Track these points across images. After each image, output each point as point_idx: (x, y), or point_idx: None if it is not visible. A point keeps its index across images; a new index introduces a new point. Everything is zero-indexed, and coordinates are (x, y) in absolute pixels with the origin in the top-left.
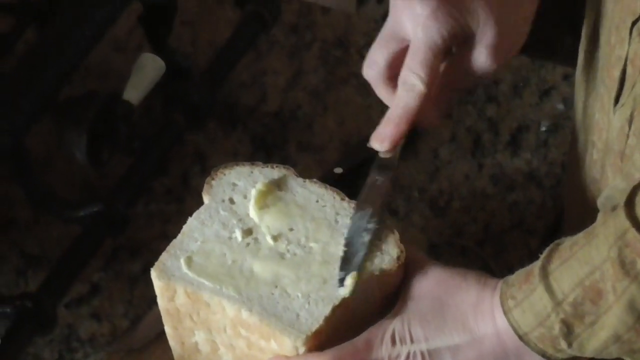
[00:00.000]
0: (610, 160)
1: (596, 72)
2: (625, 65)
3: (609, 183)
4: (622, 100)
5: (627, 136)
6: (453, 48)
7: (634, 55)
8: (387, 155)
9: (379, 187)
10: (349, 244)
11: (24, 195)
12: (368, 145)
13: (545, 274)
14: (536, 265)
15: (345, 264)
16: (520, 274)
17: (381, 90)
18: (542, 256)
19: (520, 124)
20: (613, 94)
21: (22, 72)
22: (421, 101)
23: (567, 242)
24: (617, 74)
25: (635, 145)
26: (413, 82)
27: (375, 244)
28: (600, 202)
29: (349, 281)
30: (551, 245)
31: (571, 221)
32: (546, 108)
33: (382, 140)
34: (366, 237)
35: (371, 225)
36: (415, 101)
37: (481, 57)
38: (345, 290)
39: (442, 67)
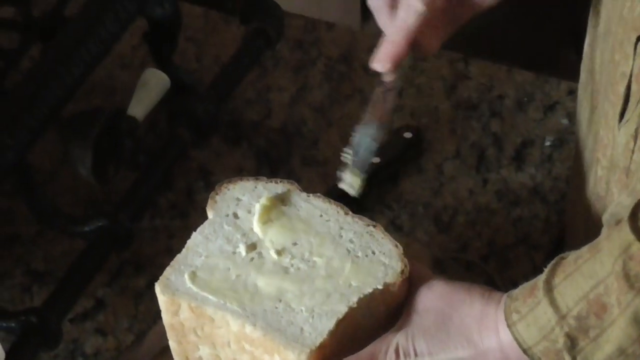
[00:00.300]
0: (616, 177)
1: (600, 89)
2: (629, 81)
3: (614, 199)
4: (626, 116)
5: (633, 152)
6: None
7: (639, 71)
8: (389, 78)
9: (384, 100)
10: (355, 149)
11: (28, 210)
12: (376, 68)
13: (549, 288)
14: (540, 279)
15: (352, 166)
16: (524, 287)
17: (384, 18)
18: (546, 270)
19: (524, 139)
20: (618, 110)
21: (26, 88)
22: (420, 21)
23: (571, 255)
24: (621, 90)
25: None
26: (413, 2)
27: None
28: (605, 218)
29: (354, 181)
30: (555, 259)
31: (574, 237)
32: (550, 123)
33: (383, 60)
34: (373, 145)
35: (378, 134)
36: (415, 20)
37: None
38: (346, 187)
39: None
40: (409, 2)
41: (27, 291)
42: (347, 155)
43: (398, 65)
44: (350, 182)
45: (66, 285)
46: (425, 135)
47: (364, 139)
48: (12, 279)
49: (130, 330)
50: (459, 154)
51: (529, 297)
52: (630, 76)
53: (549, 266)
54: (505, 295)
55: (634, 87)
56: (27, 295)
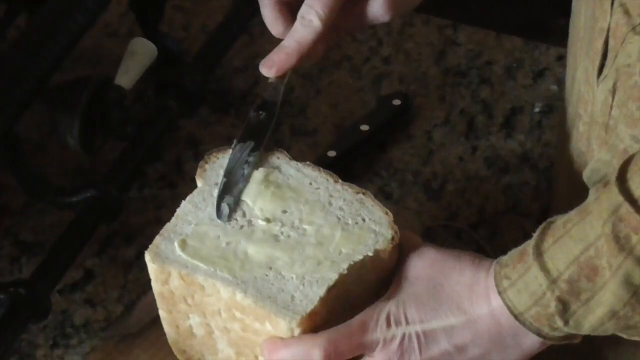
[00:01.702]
0: (595, 133)
1: (582, 45)
2: (607, 36)
3: (595, 155)
4: (605, 72)
5: (611, 107)
6: None
7: (616, 25)
8: (273, 84)
9: (261, 122)
10: (229, 174)
11: (16, 182)
12: (262, 72)
13: (539, 253)
14: (529, 244)
15: (225, 193)
16: (513, 253)
17: (266, 11)
18: (535, 235)
19: (514, 105)
20: (596, 66)
21: (13, 58)
22: (316, 37)
23: (560, 219)
24: (599, 45)
25: (619, 117)
26: (312, 18)
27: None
28: (586, 174)
29: (226, 209)
30: (544, 224)
31: (559, 196)
32: (540, 89)
33: (271, 66)
34: (247, 170)
35: (252, 158)
36: (310, 37)
37: (376, 7)
38: (223, 218)
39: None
40: (309, 18)
41: (16, 262)
42: (223, 179)
43: (285, 75)
44: (219, 206)
45: (55, 256)
46: (414, 102)
47: (238, 165)
48: (1, 250)
49: (119, 300)
50: (448, 121)
51: (519, 263)
52: (608, 31)
53: (538, 231)
54: (495, 262)
55: (611, 42)
56: (15, 267)
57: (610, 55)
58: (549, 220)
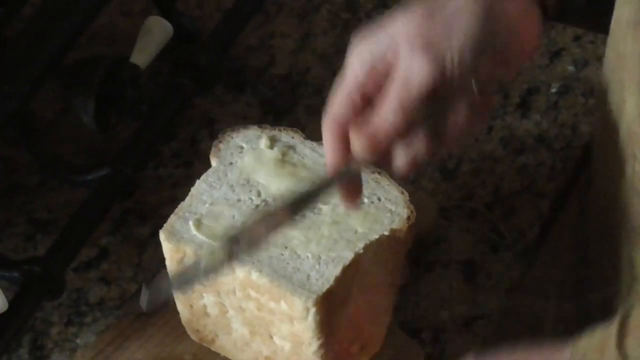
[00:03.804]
0: None
1: None
2: None
3: None
4: None
5: None
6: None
7: None
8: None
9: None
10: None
11: (30, 160)
12: None
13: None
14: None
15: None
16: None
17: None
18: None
19: (530, 86)
20: None
21: (28, 36)
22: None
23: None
24: None
25: None
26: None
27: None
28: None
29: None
30: (619, 317)
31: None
32: (556, 70)
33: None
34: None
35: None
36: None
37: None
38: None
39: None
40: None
41: (30, 240)
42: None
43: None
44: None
45: (69, 234)
46: None
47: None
48: (15, 229)
49: (134, 279)
50: None
51: None
52: None
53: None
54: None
55: None
56: (30, 245)
57: None
58: (622, 312)
